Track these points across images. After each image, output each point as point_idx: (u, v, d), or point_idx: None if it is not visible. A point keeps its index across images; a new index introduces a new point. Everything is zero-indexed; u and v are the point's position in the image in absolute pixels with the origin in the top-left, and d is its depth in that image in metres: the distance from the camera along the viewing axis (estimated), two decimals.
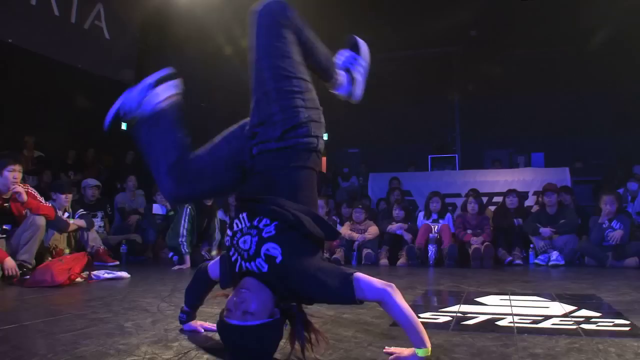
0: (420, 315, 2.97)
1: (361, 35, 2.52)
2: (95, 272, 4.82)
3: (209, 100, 11.31)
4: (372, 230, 6.95)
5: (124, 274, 4.95)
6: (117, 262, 6.24)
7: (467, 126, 12.35)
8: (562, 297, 3.60)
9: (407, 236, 6.80)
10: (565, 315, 2.93)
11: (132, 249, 7.01)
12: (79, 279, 4.54)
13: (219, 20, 9.55)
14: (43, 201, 5.25)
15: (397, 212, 7.09)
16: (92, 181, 7.44)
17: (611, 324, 2.68)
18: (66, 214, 5.96)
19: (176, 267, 6.06)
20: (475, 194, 7.22)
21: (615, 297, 3.59)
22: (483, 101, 12.01)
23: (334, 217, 7.68)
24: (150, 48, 10.08)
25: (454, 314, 2.97)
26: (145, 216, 7.75)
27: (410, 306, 3.22)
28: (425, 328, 2.60)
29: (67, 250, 5.66)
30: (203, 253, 6.68)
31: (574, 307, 3.14)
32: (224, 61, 11.07)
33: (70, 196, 6.08)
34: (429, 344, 1.97)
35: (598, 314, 2.93)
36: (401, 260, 6.60)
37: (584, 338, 2.36)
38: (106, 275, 4.83)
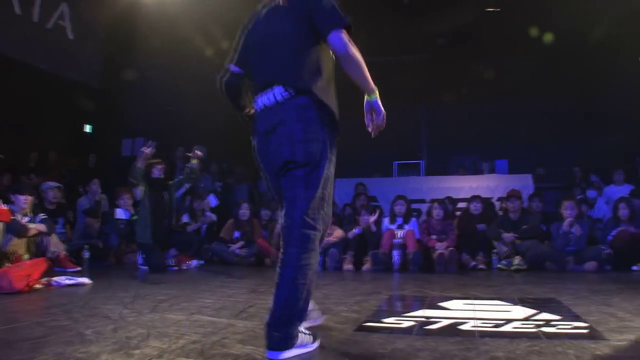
0: (384, 320, 2.99)
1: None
2: (55, 278, 4.68)
3: (176, 104, 11.19)
4: (337, 234, 6.95)
5: (85, 280, 4.83)
6: (79, 268, 6.08)
7: (432, 133, 12.49)
8: (524, 301, 3.66)
9: (371, 225, 6.91)
10: (526, 318, 2.98)
11: (94, 255, 6.87)
12: (38, 286, 4.41)
13: (188, 23, 9.48)
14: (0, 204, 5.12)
15: (365, 218, 7.10)
16: (52, 183, 7.27)
17: (570, 326, 2.74)
18: (26, 218, 5.80)
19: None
20: (442, 200, 7.30)
21: (574, 300, 3.67)
22: (448, 108, 12.17)
23: None
24: (117, 50, 9.93)
25: (418, 319, 2.99)
26: (107, 221, 7.61)
27: (375, 312, 3.26)
28: (390, 333, 2.64)
29: (26, 256, 5.50)
30: (169, 259, 6.61)
31: (534, 311, 3.20)
32: (191, 65, 10.98)
33: (30, 198, 5.91)
34: (376, 89, 2.37)
35: (558, 317, 2.98)
36: (366, 266, 6.61)
37: (544, 341, 2.40)
38: (67, 282, 4.69)
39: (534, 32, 9.97)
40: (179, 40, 9.93)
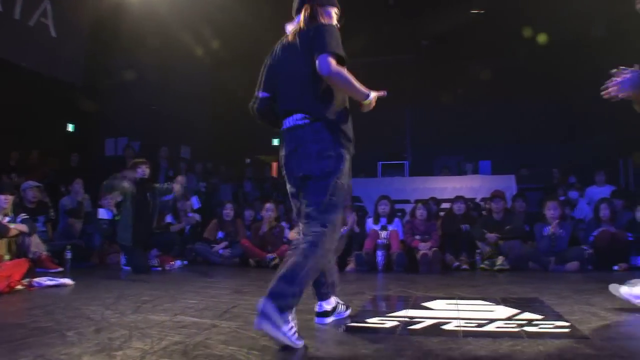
0: (368, 320, 3.00)
1: None
2: (36, 279, 4.63)
3: (160, 104, 11.11)
4: None
5: (68, 281, 4.77)
6: (61, 269, 6.02)
7: (417, 134, 12.54)
8: (507, 300, 3.68)
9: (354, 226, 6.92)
10: (509, 318, 3.00)
11: (76, 255, 6.79)
12: (19, 287, 4.36)
13: (173, 22, 9.42)
14: None
15: (350, 218, 7.09)
16: (31, 182, 7.18)
17: (552, 326, 2.76)
18: (7, 218, 5.72)
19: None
20: (426, 200, 7.32)
21: (557, 300, 3.70)
22: (433, 109, 12.23)
23: (283, 223, 7.65)
24: (101, 49, 9.83)
25: (402, 319, 3.00)
26: (90, 221, 7.53)
27: (359, 312, 3.27)
28: (374, 333, 2.65)
29: (7, 257, 5.43)
30: (152, 259, 6.55)
31: (517, 311, 3.22)
32: (176, 64, 10.91)
33: (10, 197, 5.84)
34: (370, 95, 2.74)
35: (540, 317, 3.01)
36: (350, 266, 6.60)
37: (527, 340, 2.42)
38: (48, 283, 4.64)
39: (517, 34, 10.06)
40: (164, 39, 9.87)
